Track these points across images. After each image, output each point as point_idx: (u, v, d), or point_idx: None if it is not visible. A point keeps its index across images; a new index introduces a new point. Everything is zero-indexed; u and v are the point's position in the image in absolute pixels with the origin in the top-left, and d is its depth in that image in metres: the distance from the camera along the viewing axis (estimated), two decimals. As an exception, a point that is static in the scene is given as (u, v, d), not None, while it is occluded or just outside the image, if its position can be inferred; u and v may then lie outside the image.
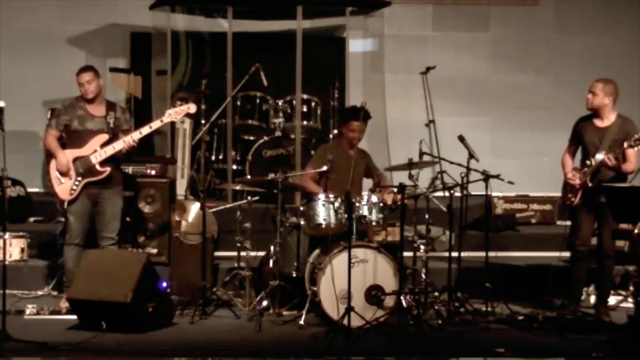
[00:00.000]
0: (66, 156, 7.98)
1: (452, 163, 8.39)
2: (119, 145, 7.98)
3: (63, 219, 8.36)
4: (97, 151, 7.99)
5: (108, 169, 8.02)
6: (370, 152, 8.81)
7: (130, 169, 8.92)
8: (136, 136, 8.01)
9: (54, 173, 8.01)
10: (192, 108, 8.17)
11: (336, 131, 10.92)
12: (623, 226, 8.15)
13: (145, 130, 8.07)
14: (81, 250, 8.03)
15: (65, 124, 8.04)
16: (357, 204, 7.92)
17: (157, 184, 8.91)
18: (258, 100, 10.45)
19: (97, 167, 7.99)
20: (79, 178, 7.99)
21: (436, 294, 8.25)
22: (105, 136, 8.02)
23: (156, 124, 8.15)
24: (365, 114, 8.35)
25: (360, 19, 11.31)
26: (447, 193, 8.38)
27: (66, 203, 8.00)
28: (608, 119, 7.96)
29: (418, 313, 7.82)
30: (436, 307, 8.06)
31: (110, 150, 7.99)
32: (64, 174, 7.98)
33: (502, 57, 11.67)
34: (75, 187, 7.98)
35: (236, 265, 8.52)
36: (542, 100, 11.60)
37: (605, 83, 7.93)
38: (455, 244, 8.50)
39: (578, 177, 7.98)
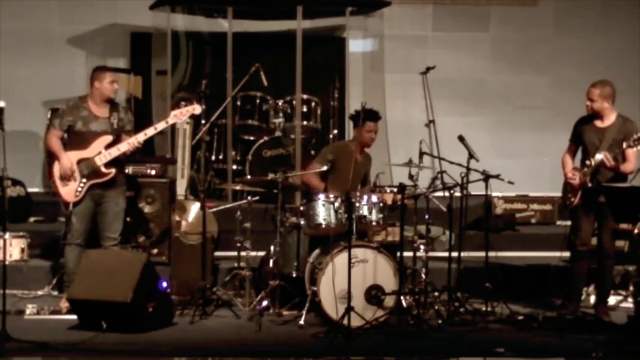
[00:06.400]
0: (70, 159, 7.95)
1: (452, 163, 8.40)
2: (124, 147, 7.97)
3: (64, 219, 8.33)
4: (101, 152, 7.97)
5: (113, 171, 8.00)
6: (370, 152, 8.81)
7: (130, 169, 8.92)
8: (140, 137, 8.00)
9: (57, 175, 7.99)
10: (197, 109, 8.17)
11: (335, 131, 10.96)
12: (623, 226, 8.15)
13: (150, 131, 8.06)
14: (82, 250, 8.01)
15: (69, 124, 8.01)
16: (357, 204, 7.92)
17: (156, 184, 8.93)
18: (258, 100, 10.46)
19: (102, 169, 7.98)
20: (84, 180, 7.96)
21: (436, 294, 8.24)
22: (109, 138, 8.00)
23: (161, 126, 8.14)
24: (378, 115, 8.46)
25: (360, 19, 11.31)
26: (447, 193, 8.39)
27: (71, 205, 7.97)
28: (609, 119, 7.96)
29: (418, 313, 7.83)
30: (436, 307, 8.06)
31: (115, 152, 7.97)
32: (68, 177, 7.95)
33: (502, 57, 11.68)
34: (80, 190, 7.96)
35: (236, 265, 8.52)
36: (542, 100, 11.61)
37: (601, 87, 7.92)
38: (455, 244, 8.50)
39: (578, 176, 7.98)
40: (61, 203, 8.16)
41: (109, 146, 7.98)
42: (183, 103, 8.27)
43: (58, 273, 8.58)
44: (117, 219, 8.11)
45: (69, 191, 7.98)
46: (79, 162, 7.97)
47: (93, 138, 7.99)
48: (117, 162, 8.04)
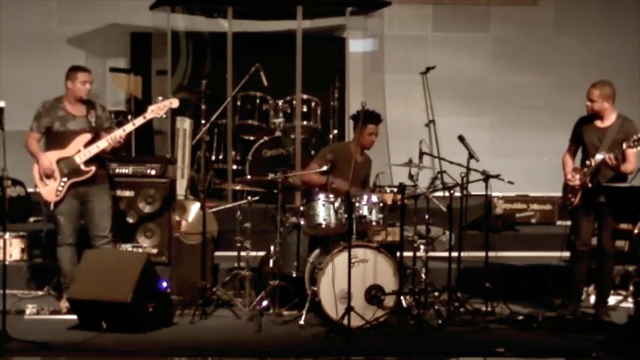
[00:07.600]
0: (48, 158, 7.95)
1: (452, 163, 8.39)
2: (103, 144, 7.96)
3: (51, 221, 8.31)
4: (80, 151, 7.96)
5: (93, 169, 7.99)
6: (370, 152, 8.80)
7: (130, 169, 8.92)
8: (119, 133, 7.98)
9: (38, 176, 7.99)
10: (174, 103, 8.16)
11: (335, 131, 10.96)
12: (623, 226, 8.16)
13: (129, 127, 8.05)
14: (75, 250, 8.02)
15: (47, 126, 8.00)
16: (357, 204, 7.92)
17: (157, 184, 8.92)
18: (258, 100, 10.46)
19: (82, 167, 7.97)
20: (65, 179, 7.96)
21: (436, 294, 8.24)
22: (87, 136, 7.99)
23: (139, 121, 8.10)
24: (380, 117, 8.45)
25: (360, 19, 11.32)
26: (447, 193, 8.38)
27: (52, 205, 7.98)
28: (609, 119, 7.96)
29: (418, 313, 7.83)
30: (436, 307, 8.06)
31: (94, 149, 7.96)
32: (48, 176, 7.96)
33: (502, 57, 11.69)
34: (60, 189, 7.96)
35: (236, 265, 8.51)
36: (542, 100, 11.61)
37: (601, 88, 7.92)
38: (455, 244, 8.50)
39: (577, 177, 7.99)
40: (42, 204, 8.17)
41: (88, 144, 7.97)
42: (160, 98, 8.24)
43: (57, 273, 8.56)
44: (104, 217, 8.08)
45: (50, 191, 7.97)
46: (59, 161, 7.96)
47: (72, 137, 7.98)
48: (97, 159, 8.04)
